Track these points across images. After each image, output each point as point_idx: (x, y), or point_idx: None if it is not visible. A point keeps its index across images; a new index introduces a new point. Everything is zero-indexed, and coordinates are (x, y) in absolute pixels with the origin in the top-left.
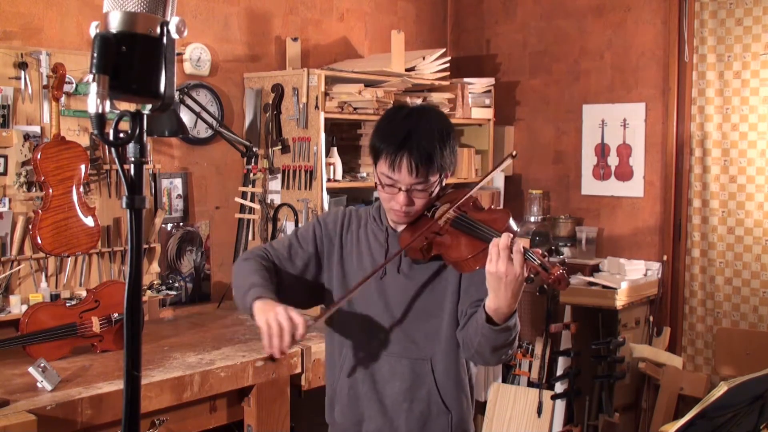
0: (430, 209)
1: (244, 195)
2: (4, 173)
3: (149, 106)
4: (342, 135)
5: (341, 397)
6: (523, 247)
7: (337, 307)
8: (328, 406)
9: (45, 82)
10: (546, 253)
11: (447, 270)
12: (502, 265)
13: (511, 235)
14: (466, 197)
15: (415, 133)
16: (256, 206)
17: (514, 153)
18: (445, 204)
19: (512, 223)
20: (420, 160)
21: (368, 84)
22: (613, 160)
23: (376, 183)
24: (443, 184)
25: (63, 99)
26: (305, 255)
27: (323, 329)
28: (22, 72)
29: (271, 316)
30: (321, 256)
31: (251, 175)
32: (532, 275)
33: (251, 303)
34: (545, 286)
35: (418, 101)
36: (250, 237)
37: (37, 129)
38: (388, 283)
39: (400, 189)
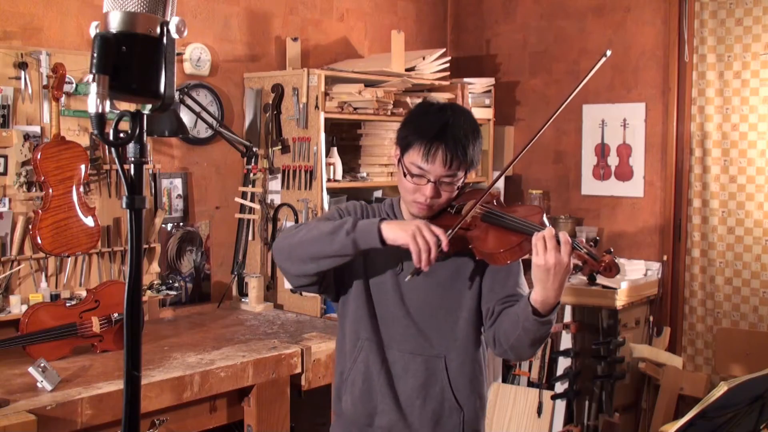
0: (451, 206)
1: (244, 195)
2: (4, 173)
3: (149, 106)
4: (342, 135)
5: (354, 389)
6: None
7: (456, 229)
8: (336, 395)
9: (45, 82)
10: (592, 243)
11: (466, 268)
12: (551, 257)
13: (553, 228)
14: (489, 188)
15: (451, 126)
16: (256, 206)
17: (608, 52)
18: (469, 201)
19: (545, 218)
20: (455, 151)
21: (368, 84)
22: (613, 160)
23: (404, 172)
24: (463, 182)
25: (63, 99)
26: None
27: (333, 325)
28: (22, 72)
29: (416, 231)
30: None
31: (251, 175)
32: (580, 264)
33: (377, 227)
34: (595, 274)
35: (419, 102)
36: (250, 237)
37: (37, 129)
38: (405, 280)
39: (429, 180)
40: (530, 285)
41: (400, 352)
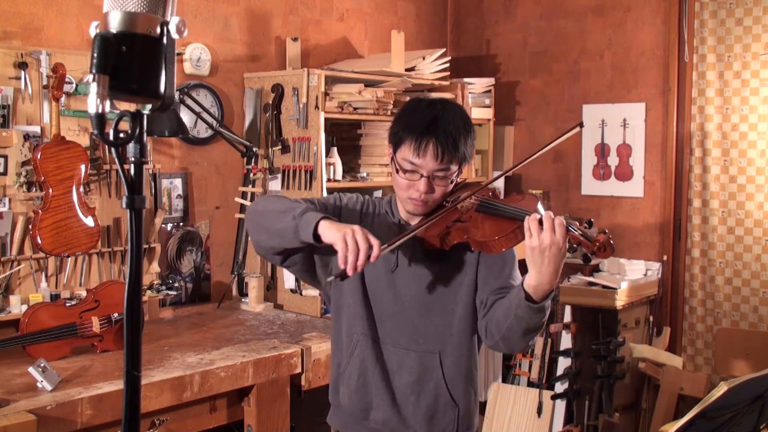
0: (447, 201)
1: (244, 195)
2: (4, 173)
3: (149, 106)
4: (342, 135)
5: (350, 382)
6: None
7: (398, 244)
8: (333, 387)
9: (45, 82)
10: (586, 224)
11: (461, 262)
12: (546, 237)
13: (549, 211)
14: (486, 184)
15: (441, 120)
16: None
17: (582, 123)
18: (464, 193)
19: (540, 206)
20: (446, 145)
21: (368, 84)
22: (613, 160)
23: (396, 169)
24: (458, 178)
25: (63, 99)
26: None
27: (330, 314)
28: (22, 72)
29: (349, 233)
30: None
31: (251, 175)
32: (575, 245)
33: (316, 222)
34: (589, 255)
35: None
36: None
37: (37, 129)
38: (400, 276)
39: (422, 175)
40: (525, 273)
41: (394, 348)
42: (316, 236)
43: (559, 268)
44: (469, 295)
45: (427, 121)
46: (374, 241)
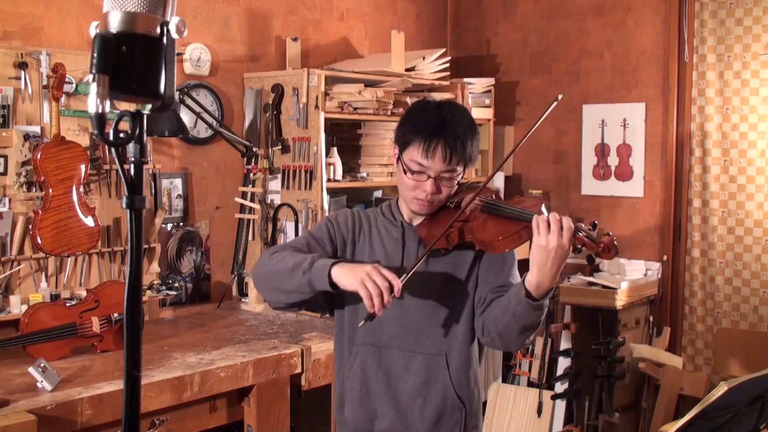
0: (451, 202)
1: (244, 195)
2: (4, 173)
3: (149, 106)
4: (342, 135)
5: (352, 396)
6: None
7: (410, 274)
8: (338, 404)
9: (45, 82)
10: (590, 226)
11: (464, 262)
12: (553, 238)
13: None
14: (486, 182)
15: (449, 122)
16: (256, 206)
17: (559, 96)
18: (467, 195)
19: (544, 208)
20: (455, 147)
21: (368, 84)
22: (613, 160)
23: (404, 170)
24: (462, 178)
25: (63, 99)
26: (324, 253)
27: (332, 325)
28: (22, 72)
29: (365, 276)
30: (336, 254)
31: (251, 175)
32: (579, 246)
33: (329, 269)
34: (593, 256)
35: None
36: (250, 237)
37: (37, 129)
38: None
39: (429, 176)
40: (524, 272)
41: (400, 351)
42: (333, 284)
43: (560, 268)
44: (471, 293)
45: (436, 123)
46: (391, 276)
